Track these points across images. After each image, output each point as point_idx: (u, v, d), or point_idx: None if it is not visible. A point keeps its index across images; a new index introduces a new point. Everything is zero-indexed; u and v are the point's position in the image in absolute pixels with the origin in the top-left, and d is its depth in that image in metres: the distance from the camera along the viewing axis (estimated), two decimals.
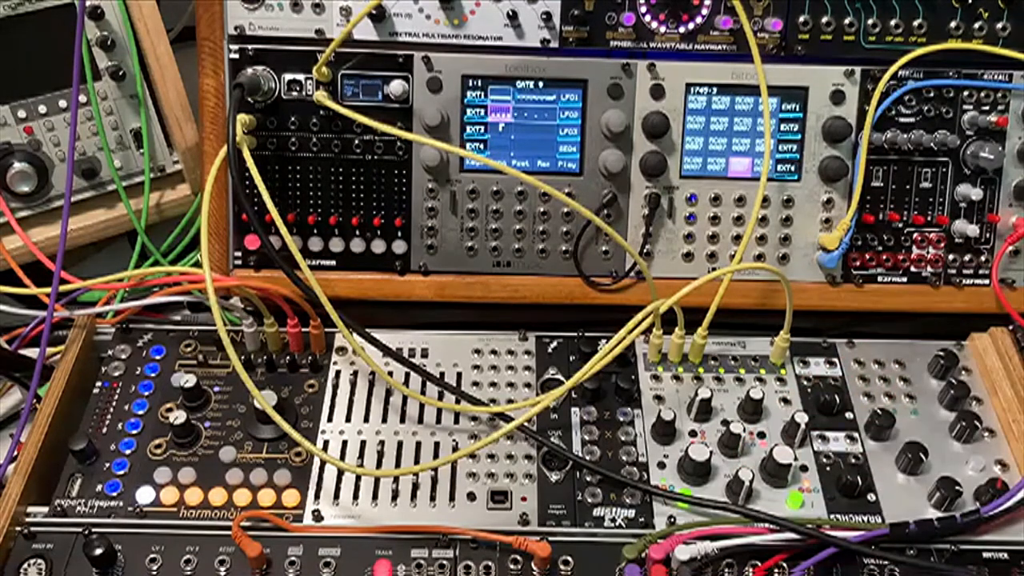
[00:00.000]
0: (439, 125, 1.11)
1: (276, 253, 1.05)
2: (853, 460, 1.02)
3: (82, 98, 1.17)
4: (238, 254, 1.15)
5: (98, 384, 1.07)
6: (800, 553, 0.92)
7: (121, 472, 0.98)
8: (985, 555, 0.94)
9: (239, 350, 1.11)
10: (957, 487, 0.97)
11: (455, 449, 1.01)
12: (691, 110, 1.12)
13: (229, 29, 1.09)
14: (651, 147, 1.12)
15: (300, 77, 1.10)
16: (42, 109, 1.17)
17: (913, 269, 1.16)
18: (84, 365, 1.08)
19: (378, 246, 1.16)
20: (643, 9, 1.09)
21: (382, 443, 1.02)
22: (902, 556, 0.92)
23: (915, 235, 1.16)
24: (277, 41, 1.10)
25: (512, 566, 0.91)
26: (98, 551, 0.88)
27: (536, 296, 1.16)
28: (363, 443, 1.02)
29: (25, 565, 0.90)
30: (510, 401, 1.07)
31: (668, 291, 1.03)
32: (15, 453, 1.02)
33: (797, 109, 1.12)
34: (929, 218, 1.15)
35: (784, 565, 0.92)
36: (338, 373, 1.09)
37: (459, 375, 1.10)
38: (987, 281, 1.16)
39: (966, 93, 1.13)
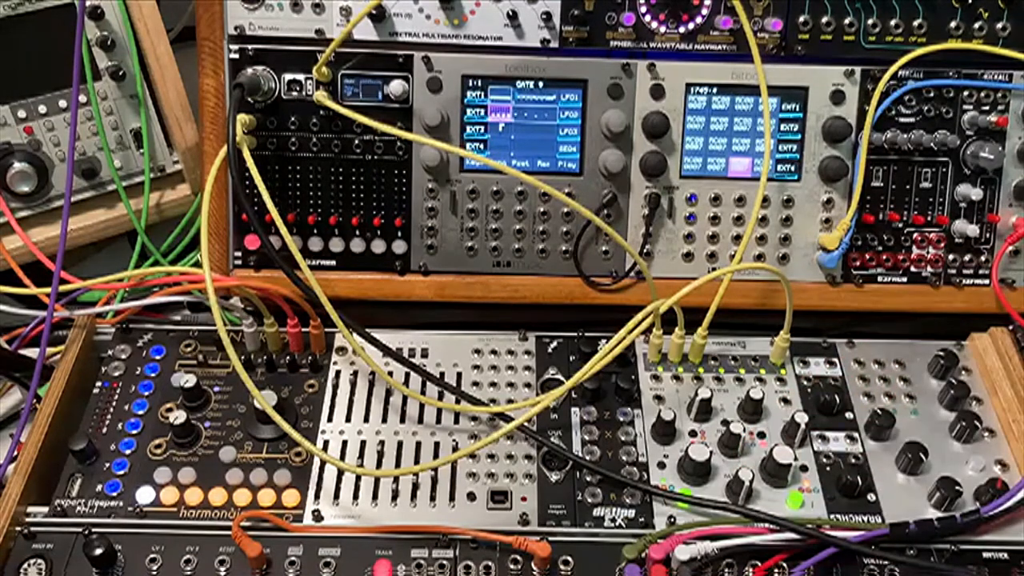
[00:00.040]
0: (439, 125, 1.11)
1: (276, 253, 1.05)
2: (853, 460, 1.02)
3: (82, 98, 1.17)
4: (238, 254, 1.15)
5: (98, 384, 1.07)
6: (800, 553, 0.92)
7: (121, 472, 0.98)
8: (985, 555, 0.94)
9: (239, 350, 1.11)
10: (957, 487, 0.97)
11: (455, 449, 1.01)
12: (691, 110, 1.12)
13: (229, 29, 1.09)
14: (651, 147, 1.12)
15: (300, 77, 1.10)
16: (42, 109, 1.17)
17: (913, 269, 1.16)
18: (84, 365, 1.08)
19: (378, 246, 1.16)
20: (643, 9, 1.09)
21: (382, 443, 1.02)
22: (902, 556, 0.92)
23: (915, 235, 1.16)
24: (277, 41, 1.10)
25: (512, 566, 0.91)
26: (98, 551, 0.88)
27: (536, 296, 1.16)
28: (363, 443, 1.02)
29: (25, 565, 0.90)
30: (510, 401, 1.07)
31: (668, 291, 1.03)
32: (15, 453, 1.02)
33: (797, 109, 1.12)
34: (929, 218, 1.15)
35: (784, 565, 0.92)
36: (338, 373, 1.09)
37: (459, 375, 1.10)
38: (987, 281, 1.16)
39: (966, 93, 1.13)
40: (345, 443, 1.02)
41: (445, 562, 0.91)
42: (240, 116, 1.04)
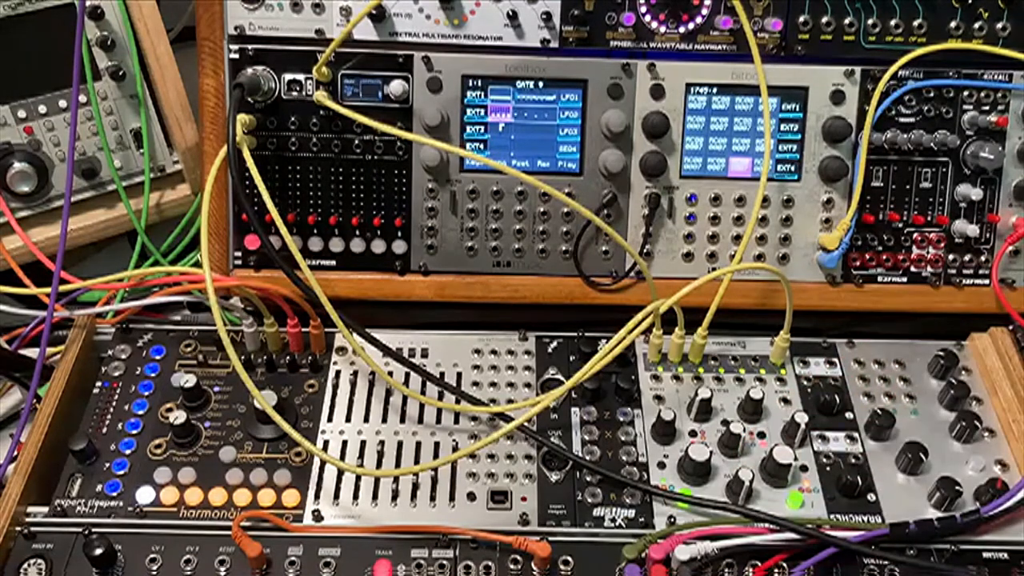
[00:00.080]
0: (439, 125, 1.11)
1: (276, 253, 1.05)
2: (853, 460, 1.02)
3: (82, 98, 1.17)
4: (238, 254, 1.15)
5: (98, 384, 1.07)
6: (800, 553, 0.92)
7: (121, 472, 0.98)
8: (985, 555, 0.94)
9: (239, 350, 1.11)
10: (957, 487, 0.97)
11: (455, 449, 1.01)
12: (691, 110, 1.12)
13: (229, 29, 1.09)
14: (651, 147, 1.12)
15: (300, 77, 1.10)
16: (42, 109, 1.17)
17: (913, 269, 1.16)
18: (84, 365, 1.08)
19: (378, 246, 1.16)
20: (643, 9, 1.09)
21: (382, 443, 1.02)
22: (902, 556, 0.92)
23: (915, 235, 1.16)
24: (277, 41, 1.10)
25: (512, 566, 0.91)
26: (98, 551, 0.88)
27: (536, 296, 1.16)
28: (363, 443, 1.02)
29: (25, 565, 0.90)
30: (510, 401, 1.07)
31: (668, 291, 1.03)
32: (15, 453, 1.02)
33: (797, 109, 1.12)
34: (929, 218, 1.15)
35: (784, 565, 0.92)
36: (338, 373, 1.09)
37: (459, 375, 1.10)
38: (987, 281, 1.16)
39: (966, 93, 1.13)
40: (345, 443, 1.02)
41: (445, 562, 0.91)
42: (240, 116, 1.04)
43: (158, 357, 1.10)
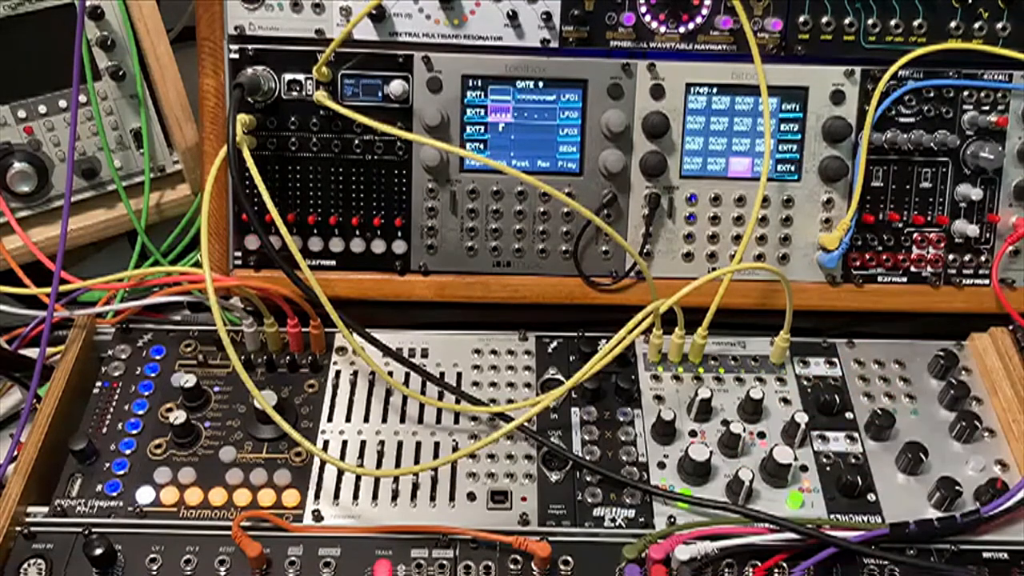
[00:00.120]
0: (439, 125, 1.11)
1: (276, 253, 1.05)
2: (853, 460, 1.02)
3: (82, 98, 1.17)
4: (238, 254, 1.15)
5: (98, 384, 1.07)
6: (800, 553, 0.92)
7: (121, 472, 0.98)
8: (985, 555, 0.94)
9: (239, 350, 1.11)
10: (957, 487, 0.97)
11: (455, 449, 1.01)
12: (691, 110, 1.12)
13: (229, 29, 1.09)
14: (651, 147, 1.12)
15: (300, 77, 1.10)
16: (42, 109, 1.17)
17: (913, 269, 1.16)
18: (84, 365, 1.08)
19: (378, 246, 1.16)
20: (643, 9, 1.09)
21: (382, 443, 1.02)
22: (902, 556, 0.92)
23: (915, 235, 1.16)
24: (277, 41, 1.10)
25: (512, 566, 0.91)
26: (98, 551, 0.88)
27: (536, 296, 1.16)
28: (363, 443, 1.02)
29: (25, 565, 0.90)
30: (510, 401, 1.07)
31: (668, 291, 1.03)
32: (15, 453, 1.02)
33: (797, 109, 1.12)
34: (929, 218, 1.15)
35: (784, 565, 0.92)
36: (338, 373, 1.09)
37: (459, 375, 1.10)
38: (987, 281, 1.16)
39: (966, 93, 1.13)
40: (345, 443, 1.02)
41: (445, 562, 0.91)
42: (240, 116, 1.04)
43: (158, 357, 1.10)
